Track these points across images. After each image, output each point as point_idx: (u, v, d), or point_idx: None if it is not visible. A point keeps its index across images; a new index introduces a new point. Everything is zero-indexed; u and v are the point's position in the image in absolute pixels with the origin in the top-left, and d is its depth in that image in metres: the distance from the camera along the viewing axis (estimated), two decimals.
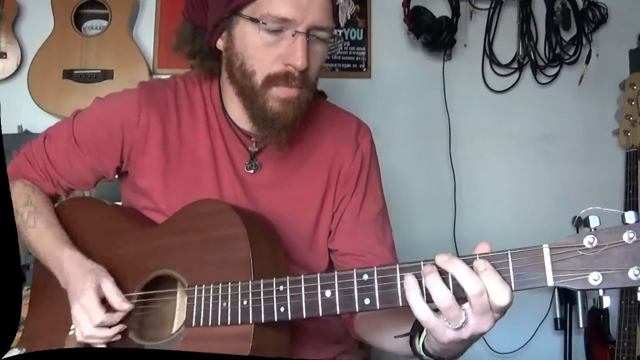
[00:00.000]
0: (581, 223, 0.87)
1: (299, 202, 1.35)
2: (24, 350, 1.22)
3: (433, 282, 0.89)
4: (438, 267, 0.91)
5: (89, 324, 1.16)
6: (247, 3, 1.18)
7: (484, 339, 2.59)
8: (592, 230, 0.84)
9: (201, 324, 1.11)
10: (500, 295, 0.87)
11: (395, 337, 1.08)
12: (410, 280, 0.92)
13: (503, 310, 0.89)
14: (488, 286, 0.87)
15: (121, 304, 1.18)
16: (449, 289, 0.89)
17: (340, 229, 1.37)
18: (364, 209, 1.37)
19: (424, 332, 1.01)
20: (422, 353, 1.03)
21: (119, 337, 1.19)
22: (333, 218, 1.37)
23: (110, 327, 1.17)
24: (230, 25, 1.22)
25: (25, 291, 2.09)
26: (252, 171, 1.33)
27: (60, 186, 1.40)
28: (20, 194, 1.36)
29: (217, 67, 1.32)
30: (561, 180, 2.75)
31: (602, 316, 2.47)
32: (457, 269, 0.89)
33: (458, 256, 0.91)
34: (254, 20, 1.17)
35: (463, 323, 0.89)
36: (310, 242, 1.36)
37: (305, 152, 1.36)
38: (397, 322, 1.11)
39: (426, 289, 0.90)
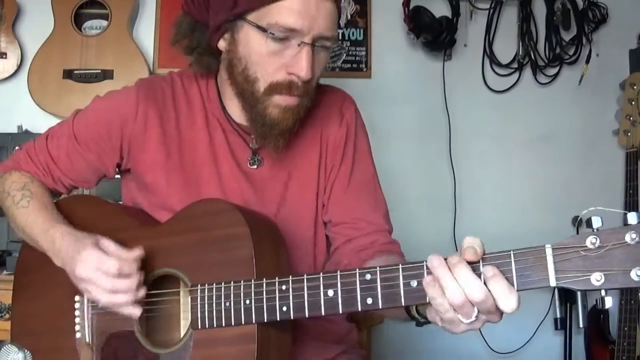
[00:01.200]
0: (582, 223, 0.87)
1: (300, 179, 1.36)
2: (27, 353, 1.21)
3: (445, 278, 0.89)
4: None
5: (105, 279, 1.12)
6: (253, 9, 1.17)
7: (484, 338, 2.60)
8: (595, 230, 0.84)
9: (207, 325, 1.11)
10: (506, 302, 0.87)
11: None
12: (428, 279, 0.92)
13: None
14: (495, 293, 0.87)
15: (128, 252, 1.14)
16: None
17: (333, 200, 1.37)
18: (354, 177, 1.38)
19: None
20: (417, 315, 1.03)
21: (144, 291, 1.15)
22: (325, 190, 1.38)
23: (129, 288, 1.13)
24: (234, 28, 1.21)
25: (6, 276, 2.10)
26: (255, 166, 1.34)
27: (61, 183, 1.40)
28: (17, 181, 1.36)
29: (215, 64, 1.32)
30: (561, 180, 2.75)
31: (602, 316, 2.47)
32: (460, 275, 0.89)
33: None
34: (261, 28, 1.16)
35: (476, 317, 0.90)
36: (315, 219, 1.37)
37: (299, 129, 1.34)
38: None
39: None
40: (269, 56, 1.18)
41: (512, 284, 0.87)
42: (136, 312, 1.14)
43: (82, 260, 1.14)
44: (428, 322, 1.03)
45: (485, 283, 0.88)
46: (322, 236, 1.40)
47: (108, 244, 1.16)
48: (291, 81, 1.18)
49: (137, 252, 1.15)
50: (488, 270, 0.88)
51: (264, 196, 1.32)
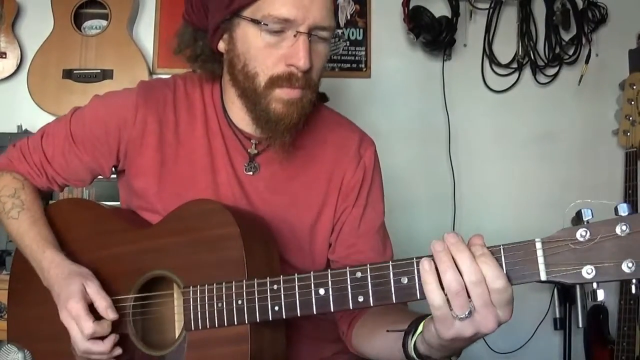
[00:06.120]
0: (580, 222, 0.86)
1: (296, 209, 1.34)
2: (27, 353, 1.21)
3: (445, 264, 0.88)
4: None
5: (81, 336, 1.14)
6: (248, 4, 1.17)
7: (484, 338, 2.59)
8: (585, 223, 0.84)
9: (200, 326, 1.11)
10: (496, 278, 0.86)
11: (387, 330, 1.08)
12: (426, 264, 0.90)
13: (503, 304, 0.88)
14: (484, 271, 0.86)
15: (106, 311, 1.16)
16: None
17: (340, 241, 1.36)
18: (364, 222, 1.36)
19: (418, 331, 1.01)
20: (412, 354, 1.02)
21: (120, 350, 1.17)
22: (333, 230, 1.36)
23: (103, 338, 1.16)
24: (232, 27, 1.21)
25: (5, 276, 2.10)
26: (251, 173, 1.32)
27: (55, 182, 1.40)
28: (8, 185, 1.36)
29: (219, 69, 1.31)
30: (561, 180, 2.74)
31: (601, 316, 2.47)
32: (461, 253, 0.88)
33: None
34: (255, 21, 1.16)
35: (468, 313, 0.88)
36: (309, 248, 1.36)
37: (305, 160, 1.35)
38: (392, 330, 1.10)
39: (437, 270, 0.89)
40: (266, 49, 1.17)
41: None
42: None
43: (67, 309, 1.16)
44: None
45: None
46: (313, 263, 1.37)
47: (92, 292, 1.18)
48: (291, 73, 1.17)
49: (112, 315, 1.17)
50: (477, 250, 0.88)
51: (257, 208, 1.31)
